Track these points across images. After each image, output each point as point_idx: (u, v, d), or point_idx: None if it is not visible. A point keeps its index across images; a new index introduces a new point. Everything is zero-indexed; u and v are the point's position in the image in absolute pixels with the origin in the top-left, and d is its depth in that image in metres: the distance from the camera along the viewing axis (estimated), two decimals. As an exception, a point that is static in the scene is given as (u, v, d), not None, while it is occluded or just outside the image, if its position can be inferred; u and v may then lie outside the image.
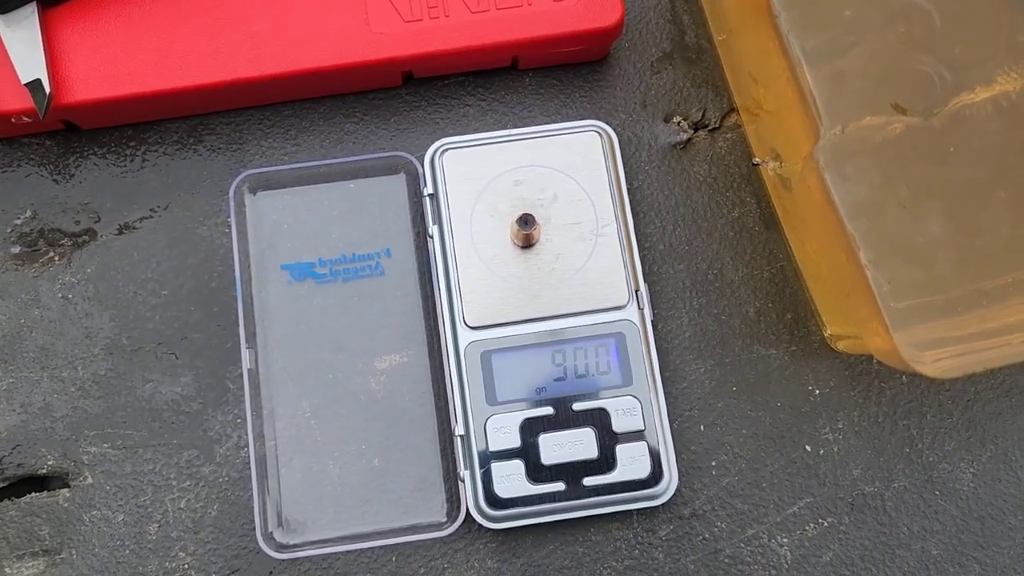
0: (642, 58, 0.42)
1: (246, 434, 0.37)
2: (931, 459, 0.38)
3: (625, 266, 0.38)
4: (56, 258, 0.40)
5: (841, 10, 0.35)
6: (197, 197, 0.40)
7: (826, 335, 0.39)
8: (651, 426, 0.36)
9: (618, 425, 0.36)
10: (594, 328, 0.37)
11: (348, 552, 0.37)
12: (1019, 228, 0.33)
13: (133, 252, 0.40)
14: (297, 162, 0.40)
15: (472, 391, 0.36)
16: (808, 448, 0.38)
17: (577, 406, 0.36)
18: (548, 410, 0.36)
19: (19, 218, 0.40)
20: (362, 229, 0.39)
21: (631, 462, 0.36)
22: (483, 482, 0.36)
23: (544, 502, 0.36)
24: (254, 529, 0.36)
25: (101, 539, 0.37)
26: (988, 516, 0.38)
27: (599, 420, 0.36)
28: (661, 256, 0.40)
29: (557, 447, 0.36)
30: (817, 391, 0.39)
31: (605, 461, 0.36)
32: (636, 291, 0.37)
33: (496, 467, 0.36)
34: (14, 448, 0.38)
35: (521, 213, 0.36)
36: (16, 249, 0.40)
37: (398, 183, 0.40)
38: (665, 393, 0.37)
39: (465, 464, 0.36)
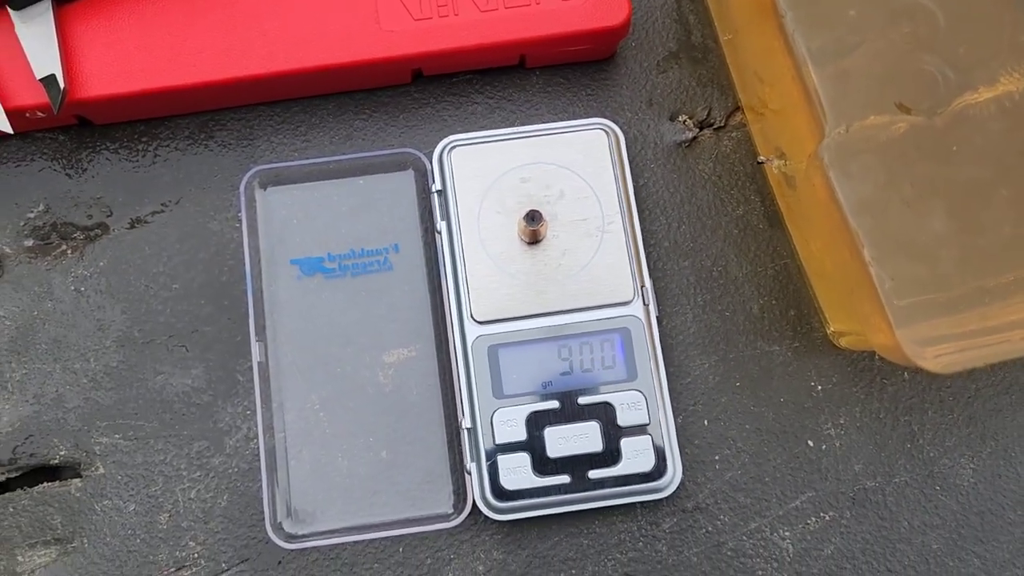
0: (648, 57, 0.43)
1: (256, 426, 0.38)
2: (932, 455, 0.39)
3: (630, 262, 0.38)
4: (69, 251, 0.40)
5: (846, 10, 0.35)
6: (208, 192, 0.41)
7: (829, 332, 0.40)
8: (655, 420, 0.37)
9: (623, 419, 0.36)
10: (600, 323, 0.37)
11: (356, 543, 0.37)
12: (1021, 227, 0.33)
13: (145, 246, 0.40)
14: (307, 158, 0.41)
15: (479, 385, 0.37)
16: (810, 443, 0.39)
17: (582, 400, 0.37)
18: (554, 404, 0.37)
19: (32, 212, 0.41)
20: (371, 225, 0.39)
21: (635, 455, 0.36)
22: (489, 474, 0.36)
23: (549, 494, 0.36)
24: (263, 519, 0.36)
25: (112, 528, 0.38)
26: (988, 511, 0.38)
27: (604, 414, 0.37)
28: (666, 253, 0.40)
29: (563, 440, 0.36)
30: (819, 387, 0.39)
31: (610, 454, 0.36)
32: (641, 287, 0.38)
33: (502, 460, 0.36)
34: (27, 438, 0.38)
35: (528, 209, 0.37)
36: (29, 242, 0.40)
37: (407, 179, 0.40)
38: (669, 388, 0.37)
39: (472, 456, 0.36)
